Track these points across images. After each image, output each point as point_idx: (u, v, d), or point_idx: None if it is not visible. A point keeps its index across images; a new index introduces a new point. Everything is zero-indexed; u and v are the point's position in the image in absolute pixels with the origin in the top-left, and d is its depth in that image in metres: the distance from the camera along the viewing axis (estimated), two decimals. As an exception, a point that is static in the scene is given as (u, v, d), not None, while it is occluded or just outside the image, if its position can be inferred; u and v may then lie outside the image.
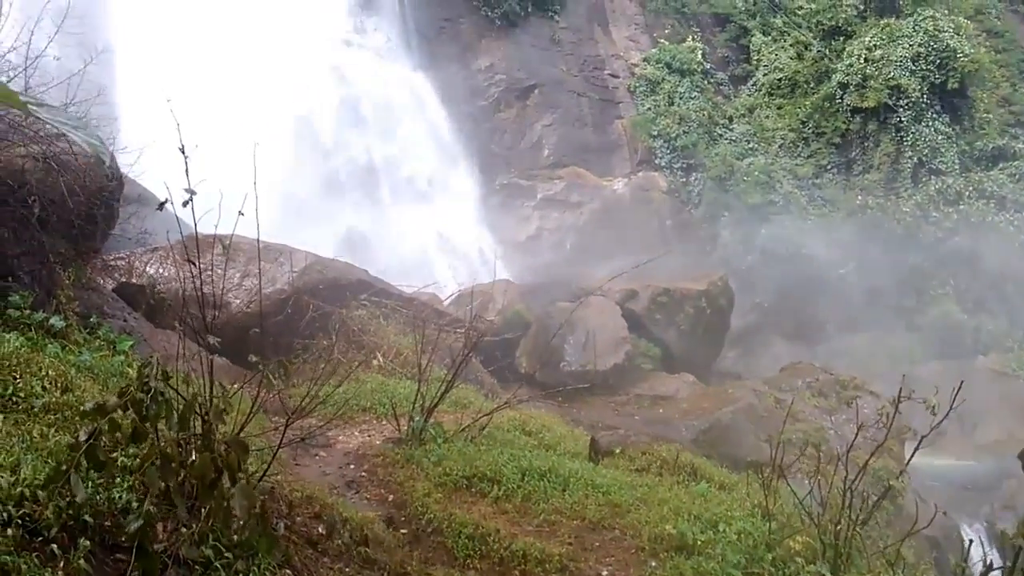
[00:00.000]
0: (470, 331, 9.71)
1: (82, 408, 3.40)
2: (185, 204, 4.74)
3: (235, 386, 6.06)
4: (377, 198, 19.60)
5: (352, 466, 7.36)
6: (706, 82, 26.27)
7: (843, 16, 27.34)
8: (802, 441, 10.10)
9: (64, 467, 3.26)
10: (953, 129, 25.20)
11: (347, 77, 20.16)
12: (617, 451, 8.31)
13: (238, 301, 11.44)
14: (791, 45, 27.10)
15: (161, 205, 4.70)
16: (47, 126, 7.39)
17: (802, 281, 22.27)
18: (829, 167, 25.55)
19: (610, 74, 25.71)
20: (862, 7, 27.43)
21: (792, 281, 22.22)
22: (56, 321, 7.27)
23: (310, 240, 13.58)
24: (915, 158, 24.73)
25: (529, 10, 24.47)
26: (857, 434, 5.68)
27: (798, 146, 25.81)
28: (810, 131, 25.88)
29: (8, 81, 7.14)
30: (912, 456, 5.79)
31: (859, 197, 24.70)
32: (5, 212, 7.37)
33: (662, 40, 26.30)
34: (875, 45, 25.49)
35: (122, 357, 7.51)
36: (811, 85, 26.38)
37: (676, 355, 16.51)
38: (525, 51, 24.45)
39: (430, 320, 11.45)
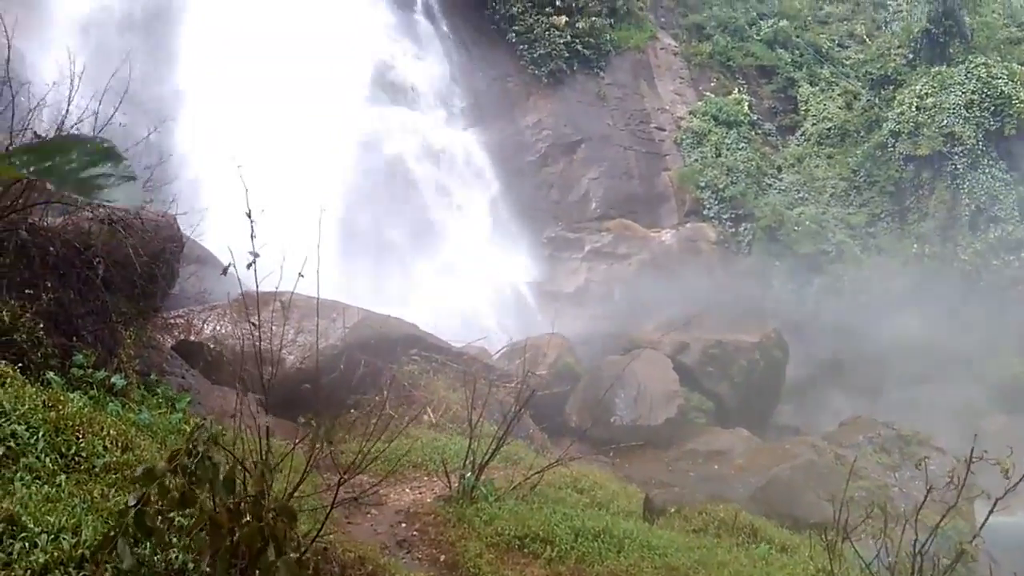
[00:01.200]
0: (521, 387, 9.65)
1: (133, 474, 3.44)
2: (249, 267, 4.87)
3: (287, 444, 6.11)
4: (427, 254, 19.83)
5: (404, 525, 7.31)
6: (753, 133, 26.25)
7: (892, 65, 27.19)
8: (866, 500, 9.73)
9: (113, 533, 3.30)
10: (1011, 175, 24.63)
11: (397, 137, 20.62)
12: (672, 510, 8.11)
13: (292, 357, 11.60)
14: (839, 95, 26.99)
15: (225, 270, 4.83)
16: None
17: (859, 332, 21.73)
18: (883, 216, 25.13)
19: (656, 127, 25.86)
20: (911, 56, 27.24)
21: (849, 332, 21.70)
22: (117, 380, 7.44)
23: (363, 297, 13.75)
24: (972, 205, 24.19)
25: (575, 68, 24.87)
26: (927, 496, 5.44)
27: (850, 195, 25.50)
28: (862, 180, 25.56)
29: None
30: (986, 520, 5.52)
31: (915, 246, 24.20)
32: (72, 274, 7.64)
33: (708, 93, 26.44)
34: (926, 93, 25.23)
35: (180, 415, 7.64)
36: (861, 134, 26.16)
37: (730, 409, 16.17)
38: (571, 107, 24.78)
39: (480, 375, 11.44)
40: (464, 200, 21.45)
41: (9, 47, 6.12)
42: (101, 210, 7.75)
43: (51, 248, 7.68)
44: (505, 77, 24.39)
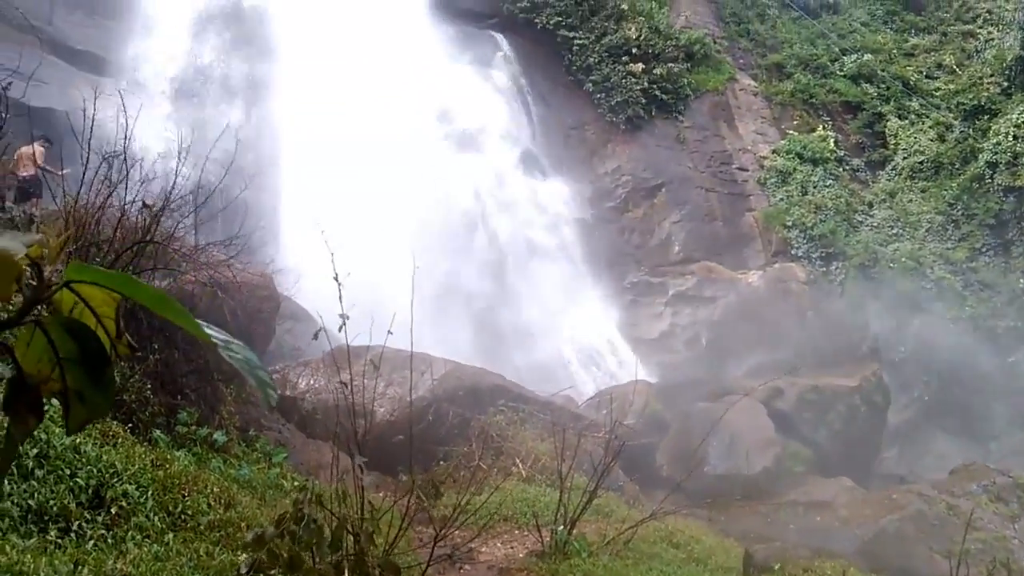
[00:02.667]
0: (611, 438, 9.50)
1: (243, 539, 3.53)
2: (340, 329, 5.03)
3: (382, 497, 6.16)
4: (509, 303, 19.93)
5: (497, 581, 7.23)
6: (841, 169, 25.58)
7: (985, 95, 26.15)
8: (984, 554, 9.11)
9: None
10: (1122, 204, 23.21)
11: (477, 189, 20.96)
12: (776, 567, 7.77)
13: (383, 410, 11.77)
14: (931, 127, 26.09)
15: (316, 334, 5.00)
16: (215, 255, 8.07)
17: (965, 372, 20.62)
18: (984, 250, 23.94)
19: (738, 168, 25.52)
20: (1006, 84, 26.16)
21: (954, 372, 20.63)
22: (219, 436, 7.70)
23: (448, 348, 13.89)
24: (1081, 235, 22.85)
25: (653, 113, 24.88)
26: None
27: (947, 229, 24.43)
28: (959, 213, 24.48)
29: (181, 215, 7.88)
30: None
31: (1021, 280, 22.91)
32: (176, 335, 8.00)
33: (791, 131, 25.99)
34: (1024, 122, 24.15)
35: (277, 469, 7.83)
36: (956, 166, 25.13)
37: (830, 457, 15.49)
38: (650, 151, 24.74)
39: (567, 425, 11.34)
40: (545, 249, 21.55)
41: (127, 126, 6.55)
42: (204, 273, 8.14)
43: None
44: (583, 125, 24.59)
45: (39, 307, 0.84)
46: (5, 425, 0.89)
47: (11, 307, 0.90)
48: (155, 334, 7.84)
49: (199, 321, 0.85)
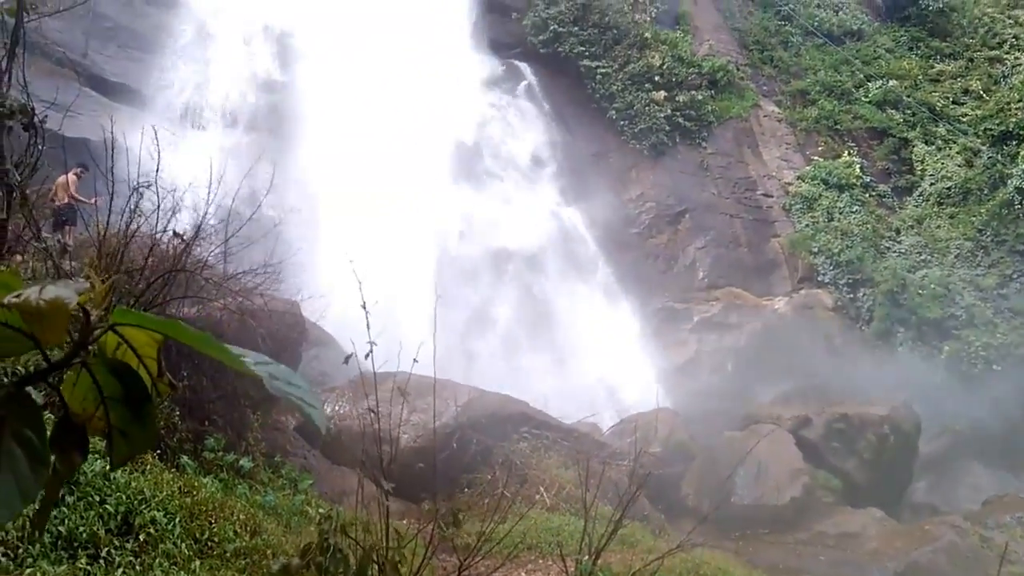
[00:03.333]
0: (635, 467, 9.42)
1: (269, 568, 3.56)
2: (366, 356, 5.08)
3: (407, 524, 6.15)
4: (532, 330, 19.93)
5: (521, 612, 7.16)
6: (867, 195, 25.41)
7: (1013, 120, 25.91)
8: (1021, 590, 8.90)
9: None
10: None
11: (501, 216, 21.06)
12: (804, 600, 7.63)
13: (407, 436, 11.77)
14: (958, 153, 25.89)
15: (346, 359, 5.04)
16: (243, 283, 8.18)
17: (998, 400, 20.20)
18: (1016, 276, 23.58)
19: (763, 194, 25.45)
20: (1034, 109, 25.96)
21: (986, 401, 20.21)
22: (245, 462, 7.74)
23: (472, 375, 13.90)
24: (1115, 261, 22.46)
25: (677, 140, 24.94)
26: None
27: (977, 256, 24.12)
28: (989, 239, 24.17)
29: (213, 244, 8.00)
30: None
31: (1054, 307, 22.52)
32: (204, 361, 8.09)
33: (816, 157, 25.91)
34: (1053, 147, 23.89)
35: (302, 496, 7.85)
36: (985, 192, 24.87)
37: (859, 487, 15.21)
38: (674, 178, 24.76)
39: (591, 452, 11.28)
40: (568, 275, 21.56)
41: (158, 157, 6.71)
42: (232, 300, 8.24)
43: (186, 337, 8.17)
44: (606, 152, 24.69)
45: (85, 349, 0.87)
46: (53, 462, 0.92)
47: (58, 349, 0.94)
48: (183, 360, 7.93)
49: (247, 359, 0.88)
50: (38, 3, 6.77)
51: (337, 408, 11.40)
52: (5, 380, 0.84)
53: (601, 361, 20.46)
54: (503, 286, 20.28)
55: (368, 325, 5.19)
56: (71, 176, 12.81)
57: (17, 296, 0.80)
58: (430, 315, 6.25)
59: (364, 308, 5.19)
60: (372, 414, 5.34)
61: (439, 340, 5.86)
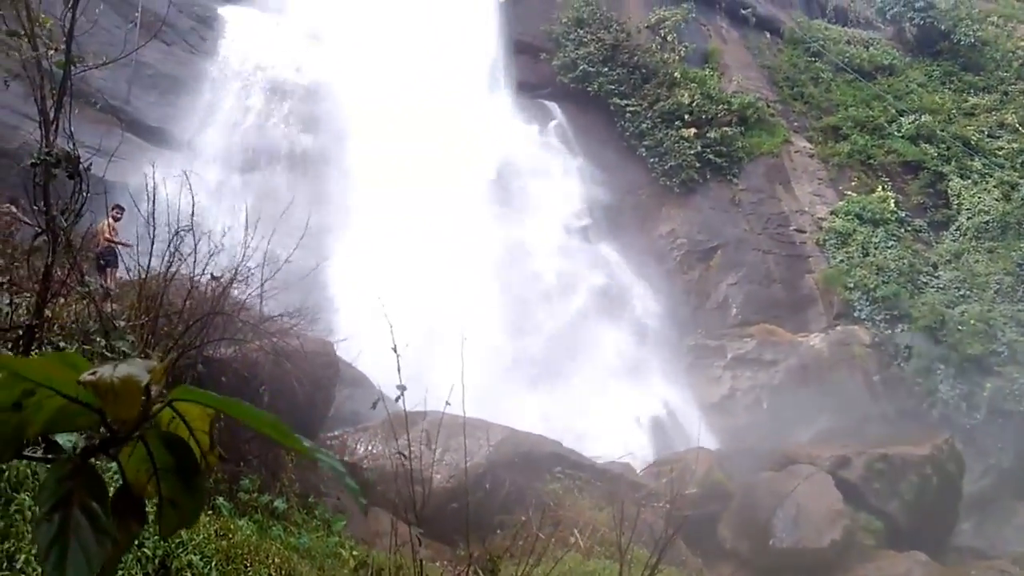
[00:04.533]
0: (671, 508, 9.28)
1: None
2: (397, 400, 5.10)
3: (442, 570, 6.11)
4: (566, 368, 19.83)
5: (557, 659, 7.03)
6: (902, 230, 25.10)
7: (1051, 153, 25.61)
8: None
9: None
10: None
11: (533, 254, 21.13)
12: (848, 650, 7.40)
13: (439, 476, 11.72)
14: (995, 186, 25.53)
15: (375, 404, 5.08)
16: (279, 324, 8.29)
17: (1046, 439, 19.66)
18: (1059, 311, 23.07)
19: (796, 229, 25.26)
20: (1073, 140, 25.61)
21: (1033, 440, 19.68)
22: (279, 503, 7.77)
23: (506, 413, 13.84)
24: None
25: (707, 176, 24.92)
26: None
27: (1017, 291, 23.63)
28: (1030, 274, 23.72)
29: (250, 286, 8.12)
30: None
31: (1099, 343, 21.93)
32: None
33: (849, 192, 25.71)
34: (1094, 179, 23.48)
35: (336, 538, 7.84)
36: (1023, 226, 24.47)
37: (902, 530, 14.80)
38: (705, 214, 24.68)
39: (626, 494, 11.13)
40: (600, 312, 21.48)
41: (192, 201, 6.87)
42: (267, 342, 8.34)
43: (223, 378, 8.28)
44: (637, 189, 24.72)
45: (146, 423, 0.89)
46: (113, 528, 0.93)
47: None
48: (220, 402, 8.01)
49: (310, 446, 0.90)
50: (85, 56, 7.01)
51: (370, 448, 11.41)
52: (71, 453, 0.87)
53: (633, 399, 20.27)
54: (532, 322, 20.27)
55: (399, 368, 5.22)
56: (108, 219, 13.14)
57: (93, 374, 0.84)
58: (464, 352, 6.27)
59: (395, 351, 5.23)
60: (404, 457, 5.34)
61: (470, 377, 5.87)
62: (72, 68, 6.52)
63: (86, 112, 14.67)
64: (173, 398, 0.90)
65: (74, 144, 6.61)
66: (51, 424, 0.90)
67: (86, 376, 0.84)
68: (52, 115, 6.33)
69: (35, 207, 5.77)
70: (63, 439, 0.89)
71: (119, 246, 12.54)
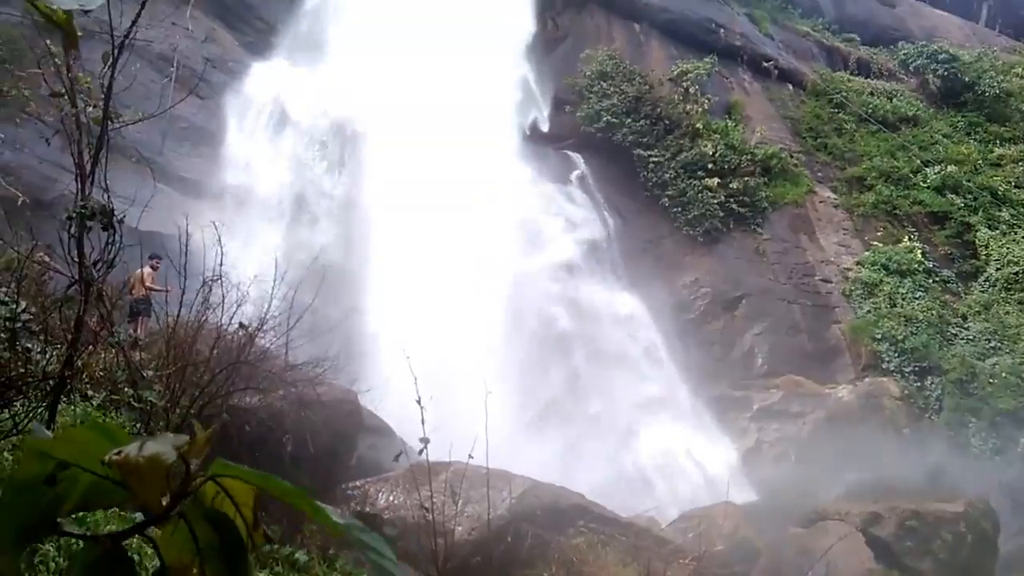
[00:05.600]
0: (699, 567, 9.09)
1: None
2: (420, 452, 5.08)
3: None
4: (592, 418, 19.65)
5: None
6: (930, 281, 24.81)
7: (1080, 203, 25.35)
8: None
9: None
10: None
11: (556, 303, 21.12)
12: None
13: (460, 528, 11.57)
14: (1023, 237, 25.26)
15: (396, 457, 5.06)
16: (304, 373, 8.32)
17: (1082, 495, 19.03)
18: (1092, 365, 22.55)
19: (821, 279, 25.06)
20: (1101, 191, 25.35)
21: (1070, 496, 19.05)
22: (301, 555, 7.68)
23: (529, 464, 13.69)
24: None
25: (731, 226, 24.89)
26: None
27: (1050, 343, 23.18)
28: (1062, 326, 23.28)
29: (275, 333, 8.19)
30: None
31: None
32: (264, 451, 8.17)
33: (875, 242, 25.53)
34: (1124, 230, 23.15)
35: (357, 594, 7.73)
36: (1055, 277, 24.12)
37: (937, 590, 14.35)
38: (729, 263, 24.59)
39: (651, 549, 10.92)
40: (625, 362, 21.33)
41: (221, 252, 6.99)
42: (292, 390, 8.37)
43: (247, 427, 8.30)
44: (660, 239, 24.73)
45: (184, 500, 0.90)
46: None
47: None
48: (244, 451, 8.03)
49: (347, 523, 0.90)
50: (122, 111, 7.22)
51: (392, 499, 11.30)
52: (102, 535, 0.87)
53: (658, 450, 19.99)
54: (556, 368, 20.17)
55: (423, 420, 5.22)
56: (147, 269, 13.36)
57: (118, 453, 0.84)
58: (488, 402, 6.24)
59: (419, 404, 5.23)
60: (426, 511, 5.30)
61: (493, 427, 5.84)
62: (109, 123, 6.72)
63: (120, 163, 15.00)
64: (215, 473, 0.90)
65: (109, 197, 6.77)
66: (86, 501, 0.89)
67: (111, 456, 0.84)
68: (88, 169, 6.51)
69: (69, 257, 5.88)
70: (99, 516, 0.90)
71: (158, 293, 12.74)
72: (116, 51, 4.74)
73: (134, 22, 4.74)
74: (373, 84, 20.61)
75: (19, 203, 11.11)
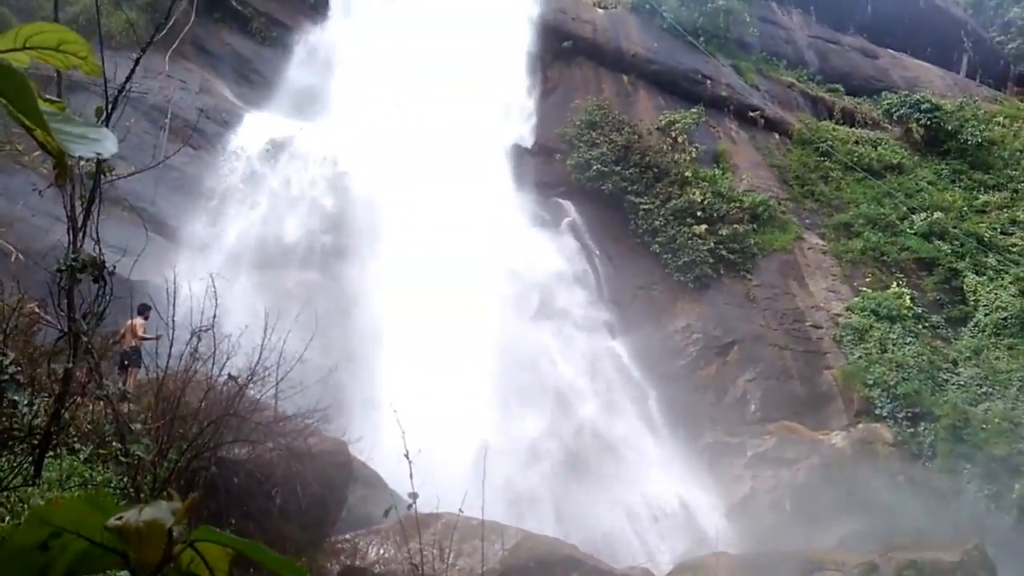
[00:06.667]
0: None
1: None
2: (409, 507, 5.04)
3: None
4: (579, 467, 19.50)
5: None
6: (920, 326, 24.94)
7: (1067, 248, 25.67)
8: None
9: None
10: None
11: (547, 350, 21.12)
12: None
13: (451, 582, 11.40)
14: (1011, 283, 25.47)
15: (386, 512, 5.02)
16: (294, 424, 8.27)
17: (1080, 543, 18.85)
18: (1085, 410, 22.57)
19: (812, 325, 25.15)
20: (1090, 237, 25.69)
21: (1067, 543, 18.87)
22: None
23: (520, 515, 13.56)
24: None
25: (721, 272, 25.07)
26: None
27: (1042, 388, 23.20)
28: (1053, 371, 23.34)
29: (266, 386, 8.15)
30: None
31: None
32: (253, 504, 8.08)
33: (864, 288, 25.71)
34: (1112, 274, 23.39)
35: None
36: (1044, 322, 24.27)
37: (936, 641, 14.13)
38: (720, 309, 24.69)
39: (646, 601, 10.74)
40: (616, 409, 21.26)
41: (216, 303, 6.99)
42: (282, 441, 8.30)
43: (235, 479, 8.21)
44: (651, 285, 24.86)
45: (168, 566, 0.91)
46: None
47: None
48: (232, 504, 7.93)
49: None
50: (115, 163, 7.28)
51: (382, 552, 11.15)
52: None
53: (652, 498, 19.81)
54: (549, 419, 20.06)
55: (411, 475, 5.18)
56: (139, 320, 13.33)
57: (119, 519, 0.87)
58: (477, 456, 6.21)
59: (407, 457, 5.21)
60: (416, 568, 5.24)
61: (489, 480, 5.80)
62: (102, 177, 6.77)
63: (112, 212, 15.10)
64: (195, 539, 0.92)
65: (100, 249, 6.79)
66: (74, 566, 0.92)
67: (112, 522, 0.87)
68: (80, 222, 6.54)
69: (59, 309, 5.87)
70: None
71: (148, 341, 12.68)
72: (111, 105, 4.80)
73: (128, 77, 4.81)
74: (369, 137, 20.93)
75: (12, 259, 11.13)
